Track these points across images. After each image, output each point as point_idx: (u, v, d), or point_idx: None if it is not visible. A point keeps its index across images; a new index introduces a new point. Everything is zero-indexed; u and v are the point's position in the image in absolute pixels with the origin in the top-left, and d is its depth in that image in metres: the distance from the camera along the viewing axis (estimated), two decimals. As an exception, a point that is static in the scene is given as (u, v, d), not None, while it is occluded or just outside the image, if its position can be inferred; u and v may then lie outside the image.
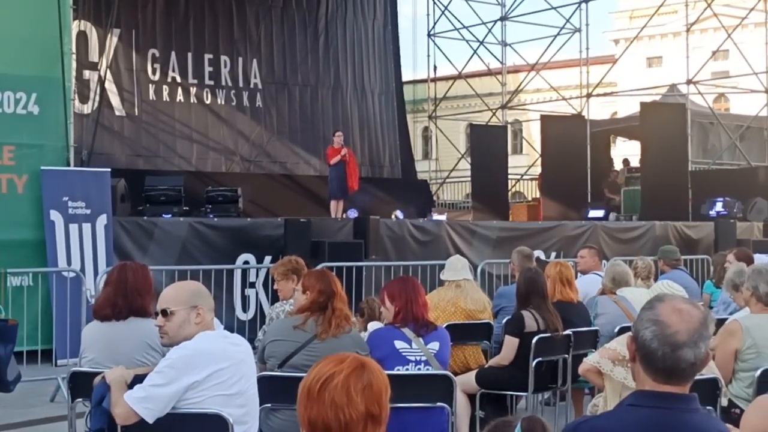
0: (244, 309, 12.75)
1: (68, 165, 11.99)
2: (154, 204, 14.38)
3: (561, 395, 8.02)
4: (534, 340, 7.07)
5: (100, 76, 18.67)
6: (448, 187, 27.87)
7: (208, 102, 20.80)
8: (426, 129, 35.89)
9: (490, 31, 26.37)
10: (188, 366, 4.21)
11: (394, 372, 5.54)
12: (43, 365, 10.20)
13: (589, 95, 24.57)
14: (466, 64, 27.29)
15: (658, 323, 2.78)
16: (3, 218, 11.28)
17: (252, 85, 21.42)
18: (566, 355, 7.37)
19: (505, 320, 7.70)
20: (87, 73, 18.83)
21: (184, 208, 14.67)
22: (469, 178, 23.15)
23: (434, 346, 5.84)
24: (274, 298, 9.19)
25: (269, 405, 5.18)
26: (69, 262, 11.39)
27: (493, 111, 26.80)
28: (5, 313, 9.01)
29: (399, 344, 5.78)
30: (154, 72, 20.15)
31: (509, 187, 24.60)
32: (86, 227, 11.68)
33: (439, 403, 5.61)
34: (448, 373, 5.76)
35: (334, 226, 14.41)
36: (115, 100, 19.44)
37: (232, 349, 4.38)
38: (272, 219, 14.19)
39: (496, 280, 13.41)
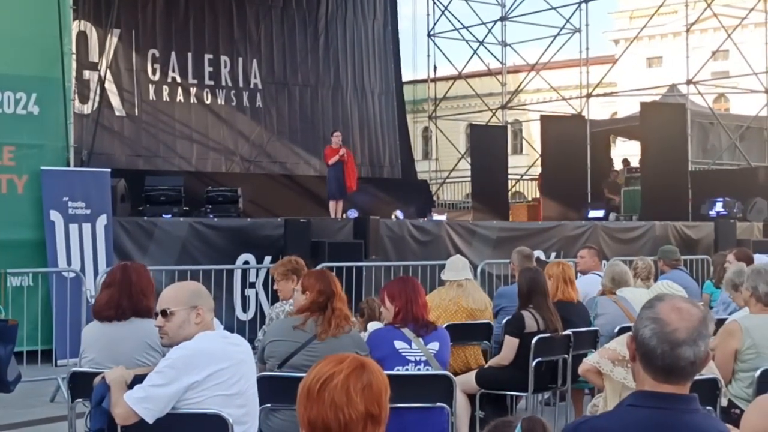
0: (244, 309, 12.75)
1: (68, 165, 11.99)
2: (154, 204, 14.39)
3: (561, 395, 8.02)
4: (534, 341, 7.07)
5: (100, 76, 18.67)
6: (448, 187, 27.87)
7: (208, 102, 20.80)
8: (426, 129, 35.89)
9: (490, 31, 26.39)
10: (188, 366, 4.22)
11: (394, 372, 5.55)
12: (43, 365, 10.20)
13: (589, 95, 24.58)
14: (466, 65, 27.33)
15: (657, 321, 2.78)
16: (3, 218, 11.28)
17: (252, 85, 21.42)
18: (566, 356, 7.37)
19: (505, 320, 7.70)
20: (87, 74, 18.83)
21: (184, 208, 14.67)
22: (469, 178, 23.15)
23: (434, 346, 5.84)
24: (274, 299, 9.20)
25: (269, 405, 5.18)
26: (69, 263, 11.39)
27: (493, 111, 26.80)
28: (5, 313, 9.01)
29: (399, 344, 5.78)
30: (154, 72, 20.15)
31: (509, 188, 24.61)
32: (86, 227, 11.68)
33: (438, 404, 5.60)
34: (448, 373, 5.76)
35: (334, 227, 14.41)
36: (115, 100, 19.43)
37: (232, 349, 4.38)
38: (272, 219, 14.18)
39: (496, 280, 13.42)
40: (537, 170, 25.15)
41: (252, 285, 12.87)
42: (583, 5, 24.61)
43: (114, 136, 19.32)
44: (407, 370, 5.71)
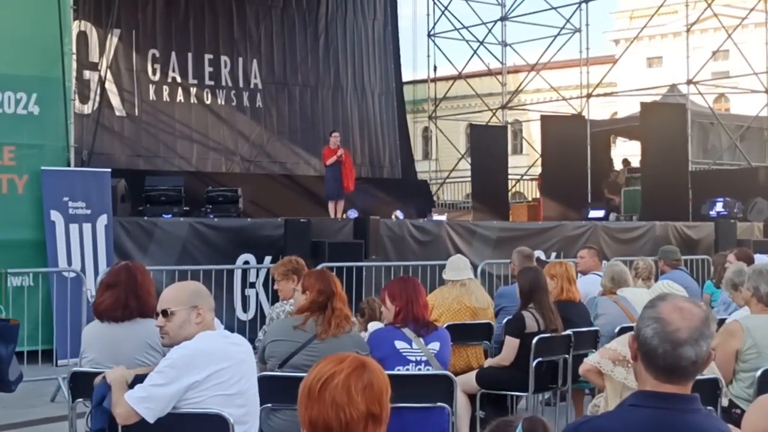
0: (245, 309, 12.75)
1: (68, 165, 11.99)
2: (155, 204, 14.39)
3: (561, 395, 8.02)
4: (534, 341, 7.07)
5: (100, 77, 18.67)
6: (448, 187, 27.86)
7: (208, 102, 20.80)
8: (426, 129, 35.89)
9: (490, 31, 26.38)
10: (189, 366, 4.22)
11: (395, 372, 5.54)
12: (44, 365, 10.18)
13: (589, 95, 24.57)
14: (466, 65, 27.32)
15: (659, 321, 2.78)
16: (3, 218, 11.28)
17: (252, 86, 21.42)
18: (567, 356, 7.37)
19: (505, 320, 7.70)
20: (87, 74, 18.82)
21: (185, 208, 14.68)
22: (469, 179, 23.14)
23: (435, 346, 5.83)
24: (274, 299, 9.19)
25: (270, 405, 5.18)
26: (69, 263, 11.39)
27: (493, 111, 26.80)
28: (6, 313, 9.00)
29: (399, 344, 5.78)
30: (154, 72, 20.15)
31: (509, 188, 24.60)
32: (86, 227, 11.68)
33: (439, 403, 5.61)
34: (449, 373, 5.76)
35: (334, 227, 14.41)
36: (115, 100, 19.43)
37: (233, 349, 4.38)
38: (272, 219, 14.18)
39: (497, 281, 13.42)
40: (537, 170, 25.14)
41: (252, 285, 12.88)
42: (584, 5, 24.62)
43: (114, 136, 19.32)
44: (408, 370, 5.71)
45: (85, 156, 14.14)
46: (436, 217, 18.21)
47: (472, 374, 7.37)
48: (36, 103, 11.74)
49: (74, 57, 13.02)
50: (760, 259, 9.53)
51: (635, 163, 23.60)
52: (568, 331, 7.37)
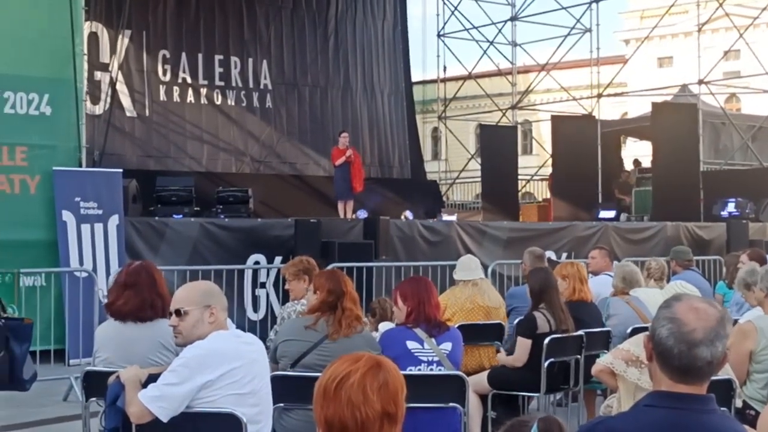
0: (255, 309, 12.77)
1: (80, 165, 12.03)
2: (166, 204, 14.42)
3: (573, 396, 8.00)
4: (546, 341, 7.05)
5: (111, 77, 18.72)
6: (457, 187, 27.84)
7: (218, 103, 20.82)
8: (435, 129, 35.86)
9: (500, 31, 26.33)
10: (202, 365, 4.23)
11: (407, 372, 5.53)
12: (56, 365, 10.21)
13: (599, 95, 24.53)
14: (476, 65, 27.30)
15: (674, 321, 2.77)
16: (16, 218, 11.32)
17: (262, 86, 21.44)
18: (578, 356, 7.35)
19: (516, 321, 7.70)
20: (98, 74, 18.85)
21: (195, 208, 14.70)
22: (479, 179, 23.11)
23: (446, 346, 5.83)
24: (284, 299, 9.20)
25: (282, 405, 5.18)
26: (81, 262, 11.42)
27: (503, 111, 26.77)
28: (19, 312, 9.04)
29: (411, 344, 5.78)
30: (164, 73, 20.18)
31: (519, 188, 24.57)
32: (98, 227, 11.71)
33: (451, 404, 5.60)
34: (461, 373, 5.75)
35: (344, 227, 14.41)
36: (126, 101, 19.46)
37: (245, 348, 4.39)
38: (282, 219, 14.19)
39: (507, 281, 13.41)
40: (547, 170, 25.11)
41: (263, 285, 12.89)
42: (594, 5, 24.56)
43: (125, 136, 19.35)
44: (420, 370, 5.71)
45: (97, 156, 14.20)
46: (445, 217, 18.20)
47: (484, 374, 7.36)
48: (48, 103, 11.78)
49: (85, 58, 13.03)
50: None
51: (646, 163, 23.56)
52: (580, 332, 7.35)
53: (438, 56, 26.65)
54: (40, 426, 8.39)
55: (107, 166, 13.87)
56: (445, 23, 26.30)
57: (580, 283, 7.89)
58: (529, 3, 25.83)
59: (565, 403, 8.05)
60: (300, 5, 22.07)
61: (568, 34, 25.61)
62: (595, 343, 7.48)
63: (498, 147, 21.93)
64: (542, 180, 27.28)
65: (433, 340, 5.80)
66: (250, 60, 21.26)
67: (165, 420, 4.20)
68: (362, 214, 16.51)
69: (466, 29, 26.52)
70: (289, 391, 5.15)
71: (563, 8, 25.64)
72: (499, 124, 26.10)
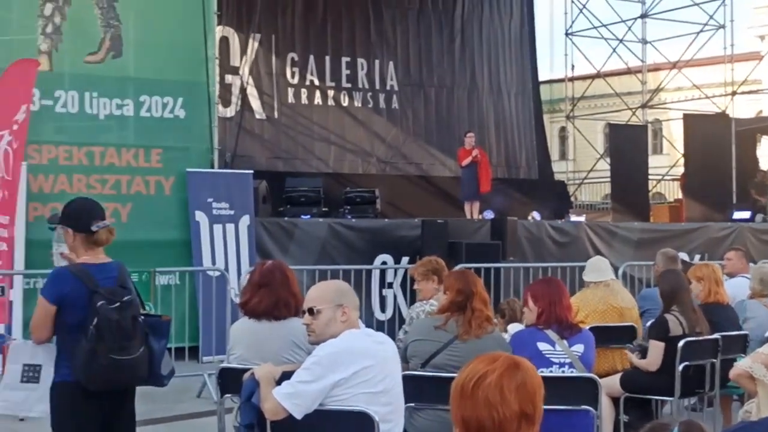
0: (383, 309, 12.84)
1: (212, 167, 12.33)
2: (295, 205, 14.65)
3: (708, 401, 7.79)
4: (680, 344, 6.87)
5: (241, 81, 19.11)
6: (585, 188, 27.44)
7: (345, 104, 21.02)
8: (563, 129, 35.40)
9: (629, 29, 25.82)
10: (334, 363, 4.26)
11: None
12: (190, 362, 10.46)
13: (734, 93, 23.83)
14: (604, 63, 26.83)
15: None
16: (151, 219, 11.67)
17: (388, 87, 21.55)
18: (714, 360, 7.14)
19: (648, 324, 7.53)
20: (229, 78, 19.24)
21: (323, 209, 14.88)
22: (608, 179, 22.70)
23: (578, 348, 5.74)
24: (412, 299, 9.23)
25: (413, 404, 5.18)
26: (213, 262, 11.69)
27: (633, 110, 26.27)
28: (154, 310, 9.29)
29: (542, 346, 5.70)
30: (293, 75, 20.48)
31: (650, 188, 24.05)
32: (230, 228, 11.98)
33: (583, 406, 5.52)
34: (593, 375, 5.66)
35: (471, 227, 14.38)
36: (255, 103, 19.82)
37: (377, 347, 4.40)
38: (409, 220, 14.25)
39: (638, 283, 13.14)
40: (678, 170, 24.51)
41: (390, 285, 12.95)
42: (728, 0, 23.87)
43: (255, 138, 19.70)
44: (551, 372, 5.64)
45: (228, 158, 14.49)
46: (573, 218, 17.96)
47: (617, 377, 7.22)
48: (182, 107, 12.13)
49: (217, 62, 13.34)
50: None
51: (783, 162, 22.79)
52: (716, 335, 7.15)
53: (566, 55, 26.32)
54: (176, 421, 8.61)
55: (238, 167, 14.16)
56: (573, 21, 25.97)
57: (716, 285, 7.68)
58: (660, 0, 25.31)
59: (700, 408, 7.83)
60: (426, 6, 22.10)
61: (701, 31, 24.95)
62: (731, 346, 7.25)
63: (628, 147, 21.49)
64: (673, 180, 26.64)
65: (565, 341, 5.71)
66: (377, 61, 21.39)
67: (299, 417, 4.24)
68: (489, 214, 16.42)
69: (595, 27, 26.12)
70: (420, 390, 5.15)
71: (696, 4, 25.00)
72: (629, 123, 25.61)
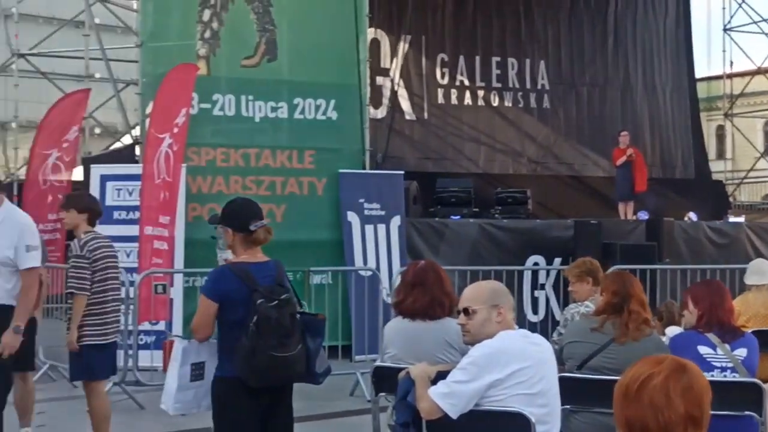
0: (534, 311, 12.73)
1: (364, 168, 12.46)
2: (445, 205, 14.67)
3: None
4: None
5: (391, 82, 19.25)
6: (744, 187, 26.54)
7: (495, 104, 20.92)
8: (720, 127, 34.36)
9: (792, 22, 24.86)
10: (490, 364, 4.23)
11: (699, 378, 5.31)
12: (342, 360, 10.58)
13: None
14: (765, 59, 25.84)
15: None
16: (305, 219, 11.88)
17: (539, 87, 21.33)
18: None
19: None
20: (379, 79, 19.41)
21: (474, 209, 14.84)
22: (768, 179, 21.94)
23: (741, 352, 5.54)
24: (564, 301, 9.11)
25: (569, 407, 5.11)
26: (365, 262, 11.81)
27: (796, 107, 25.28)
28: (308, 309, 9.46)
29: (703, 349, 5.53)
30: (442, 76, 20.52)
31: (815, 188, 23.10)
32: (381, 228, 12.08)
33: (747, 412, 5.32)
34: (757, 381, 5.45)
35: (625, 228, 14.11)
36: (405, 104, 19.94)
37: (533, 348, 4.35)
38: (561, 220, 14.09)
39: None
40: None
41: (542, 287, 12.83)
42: None
43: (404, 139, 19.81)
44: (712, 376, 5.45)
45: (380, 159, 14.63)
46: (732, 218, 17.38)
47: (781, 383, 6.94)
48: (334, 108, 12.29)
49: (368, 64, 13.48)
50: None
51: None
52: None
53: (724, 51, 25.51)
54: (331, 419, 8.76)
55: (388, 168, 14.27)
56: (731, 16, 25.14)
57: None
58: (828, -9, 24.24)
59: None
60: (578, 5, 21.80)
61: None
62: None
63: (790, 144, 20.69)
64: (840, 179, 25.52)
65: (727, 345, 5.53)
66: (528, 61, 21.21)
67: (454, 417, 4.23)
68: (643, 215, 16.06)
69: (755, 22, 25.20)
70: (576, 393, 5.07)
71: None
72: (791, 120, 24.66)
